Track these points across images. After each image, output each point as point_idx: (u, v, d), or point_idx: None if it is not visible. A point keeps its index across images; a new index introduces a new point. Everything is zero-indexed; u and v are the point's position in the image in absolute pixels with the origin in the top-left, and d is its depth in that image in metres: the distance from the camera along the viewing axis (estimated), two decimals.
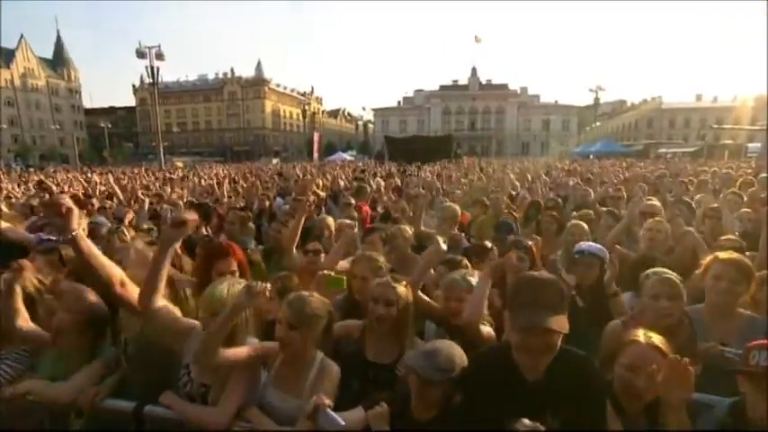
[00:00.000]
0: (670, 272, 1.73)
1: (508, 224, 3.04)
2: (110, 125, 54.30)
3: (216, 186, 7.14)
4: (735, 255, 1.77)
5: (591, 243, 2.29)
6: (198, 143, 70.51)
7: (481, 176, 6.63)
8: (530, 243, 2.49)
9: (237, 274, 2.02)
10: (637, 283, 1.93)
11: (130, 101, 72.16)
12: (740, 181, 6.23)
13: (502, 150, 61.11)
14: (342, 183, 8.22)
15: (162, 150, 22.79)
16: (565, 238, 2.98)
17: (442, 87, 65.98)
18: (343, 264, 2.67)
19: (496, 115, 63.33)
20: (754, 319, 1.76)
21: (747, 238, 3.18)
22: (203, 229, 3.61)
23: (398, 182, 7.96)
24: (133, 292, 1.62)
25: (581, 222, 2.95)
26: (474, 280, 1.82)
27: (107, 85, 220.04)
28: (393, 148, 21.71)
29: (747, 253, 3.05)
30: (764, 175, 6.74)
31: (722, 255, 1.76)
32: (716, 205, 3.40)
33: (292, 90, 78.95)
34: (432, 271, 2.21)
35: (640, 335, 1.36)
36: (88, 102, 72.10)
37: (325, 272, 2.16)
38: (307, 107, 62.45)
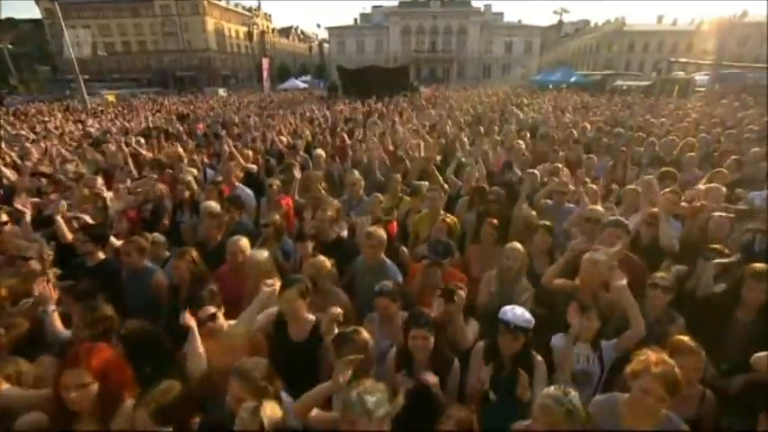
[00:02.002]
0: None
1: (444, 246, 2.68)
2: (10, 44, 45.16)
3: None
4: (667, 366, 1.54)
5: (517, 311, 1.99)
6: (133, 68, 61.45)
7: (428, 141, 6.04)
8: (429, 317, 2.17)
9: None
10: None
11: (34, 12, 59.35)
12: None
13: (463, 73, 58.94)
14: (283, 139, 7.42)
15: (82, 81, 18.97)
16: (501, 260, 2.69)
17: (402, 4, 60.42)
18: (261, 320, 2.26)
19: (458, 36, 59.62)
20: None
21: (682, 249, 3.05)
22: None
23: (346, 138, 7.26)
24: None
25: (518, 247, 2.64)
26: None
27: None
28: (347, 79, 20.07)
29: (679, 266, 2.94)
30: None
31: (654, 368, 1.53)
32: (654, 210, 3.15)
33: (236, 5, 69.53)
34: None
35: None
36: None
37: None
38: (254, 27, 55.61)
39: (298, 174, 4.23)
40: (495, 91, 23.87)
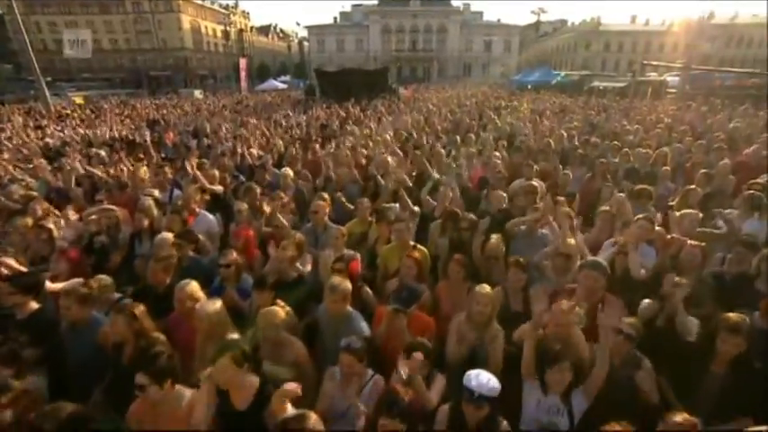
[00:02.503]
0: None
1: (409, 292, 2.52)
2: None
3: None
4: None
5: (482, 379, 1.84)
6: (105, 67, 58.86)
7: (400, 157, 5.85)
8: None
9: None
10: None
11: None
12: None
13: (444, 72, 59.14)
14: (254, 152, 7.13)
15: (44, 83, 17.53)
16: (471, 305, 2.54)
17: (381, 2, 60.10)
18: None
19: (438, 35, 59.74)
20: None
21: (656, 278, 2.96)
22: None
23: (318, 151, 7.01)
24: None
25: (487, 291, 2.49)
26: None
27: None
28: (325, 82, 19.72)
29: (648, 301, 2.83)
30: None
31: None
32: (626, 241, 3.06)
33: (213, 2, 67.80)
34: None
35: None
36: None
37: None
38: (229, 26, 54.30)
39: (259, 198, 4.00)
40: (475, 92, 23.95)
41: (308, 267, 3.38)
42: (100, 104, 22.84)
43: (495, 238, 3.16)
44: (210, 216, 4.24)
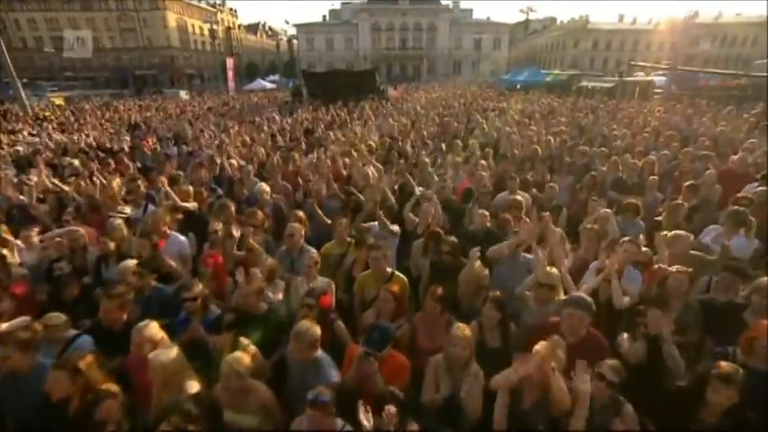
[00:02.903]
0: None
1: (380, 334, 2.35)
2: None
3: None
4: None
5: None
6: (88, 66, 57.01)
7: (379, 171, 5.65)
8: None
9: None
10: None
11: None
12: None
13: (434, 70, 59.10)
14: (233, 162, 6.87)
15: (20, 84, 16.78)
16: (448, 346, 2.38)
17: (371, 0, 59.72)
18: None
19: (428, 33, 59.57)
20: None
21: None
22: None
23: (298, 160, 6.79)
24: None
25: (465, 334, 2.32)
26: None
27: None
28: (312, 83, 19.42)
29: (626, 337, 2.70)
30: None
31: None
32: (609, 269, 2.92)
33: (200, 0, 66.67)
34: None
35: None
36: None
37: None
38: (216, 25, 53.42)
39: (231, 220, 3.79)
40: (464, 92, 23.84)
41: (280, 296, 3.19)
42: (81, 106, 22.21)
43: (477, 266, 3.01)
44: (182, 238, 4.01)
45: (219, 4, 69.91)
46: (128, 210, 4.77)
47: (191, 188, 4.96)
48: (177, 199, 4.61)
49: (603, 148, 7.20)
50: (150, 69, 58.45)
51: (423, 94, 22.54)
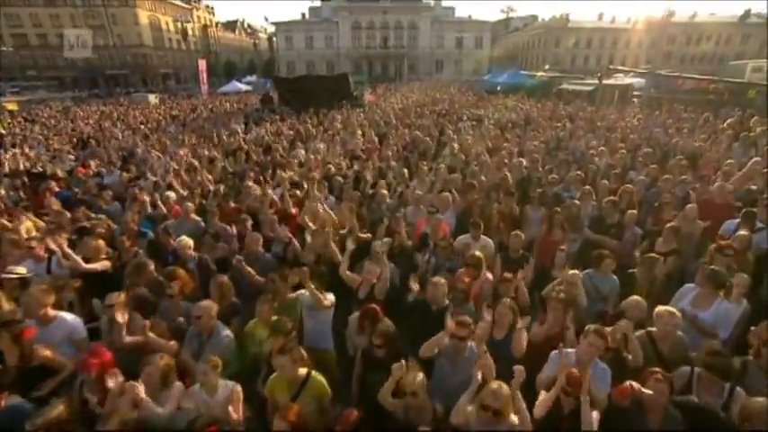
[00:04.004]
0: None
1: None
2: None
3: None
4: None
5: None
6: (53, 65, 54.17)
7: (331, 218, 5.01)
8: None
9: None
10: None
11: None
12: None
13: (416, 69, 58.61)
14: (172, 196, 6.14)
15: None
16: None
17: None
18: None
19: (409, 31, 58.86)
20: None
21: None
22: None
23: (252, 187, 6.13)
24: None
25: None
26: None
27: None
28: (283, 89, 18.61)
29: None
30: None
31: None
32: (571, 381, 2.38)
33: None
34: None
35: None
36: None
37: None
38: (186, 24, 51.73)
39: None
40: (442, 95, 23.28)
41: (169, 407, 2.55)
42: (37, 111, 20.88)
43: (411, 376, 2.43)
44: (71, 318, 3.30)
45: (195, 1, 67.90)
46: (21, 269, 4.03)
47: (101, 242, 4.23)
48: (79, 261, 3.91)
49: (579, 173, 6.74)
50: (122, 69, 56.33)
51: (399, 98, 21.95)
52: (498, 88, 26.45)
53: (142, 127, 14.74)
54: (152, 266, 3.87)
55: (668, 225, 4.50)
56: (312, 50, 60.23)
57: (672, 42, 55.10)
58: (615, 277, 3.88)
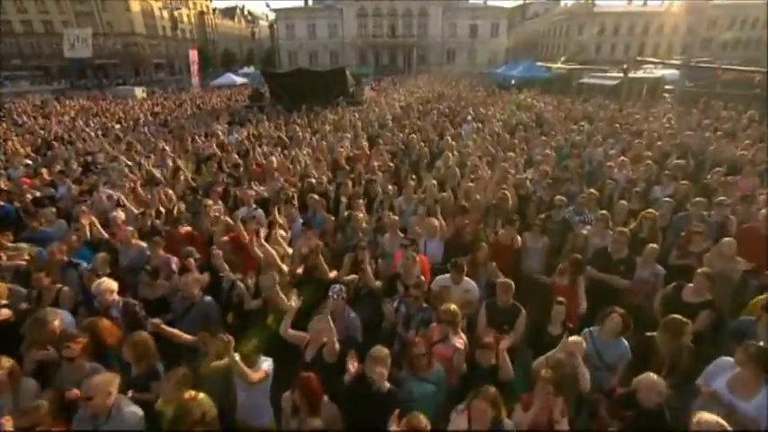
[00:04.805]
0: None
1: None
2: None
3: None
4: None
5: None
6: (38, 53, 54.30)
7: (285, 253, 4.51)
8: None
9: None
10: None
11: None
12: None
13: (426, 59, 57.94)
14: (119, 217, 5.71)
15: None
16: None
17: None
18: None
19: (419, 18, 58.10)
20: None
21: None
22: None
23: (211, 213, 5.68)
24: None
25: None
26: None
27: None
28: (275, 85, 18.21)
29: None
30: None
31: None
32: None
33: None
34: None
35: None
36: None
37: None
38: (177, 11, 51.75)
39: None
40: (451, 92, 22.63)
41: None
42: (9, 106, 20.78)
43: None
44: None
45: None
46: None
47: (2, 287, 3.80)
48: None
49: (593, 191, 6.15)
50: (112, 58, 56.60)
51: (403, 94, 21.43)
52: (512, 82, 25.71)
53: (117, 126, 14.44)
54: (56, 321, 3.41)
55: (699, 272, 3.88)
56: (315, 40, 59.95)
57: (712, 26, 53.44)
58: (625, 343, 3.31)
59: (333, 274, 4.20)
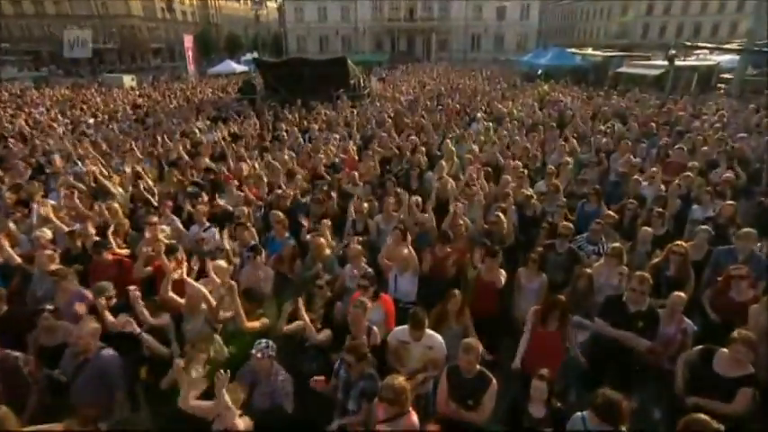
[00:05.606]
0: None
1: None
2: None
3: None
4: None
5: None
6: (29, 37, 55.20)
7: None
8: None
9: None
10: None
11: None
12: None
13: (447, 46, 57.00)
14: (45, 235, 5.34)
15: None
16: None
17: None
18: None
19: (440, 1, 57.30)
20: None
21: None
22: None
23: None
24: None
25: None
26: None
27: None
28: (269, 76, 17.84)
29: None
30: None
31: None
32: None
33: None
34: None
35: None
36: None
37: None
38: None
39: None
40: (469, 83, 21.87)
41: None
42: None
43: None
44: None
45: None
46: None
47: None
48: None
49: (610, 213, 5.49)
50: (107, 43, 57.47)
51: (413, 85, 20.86)
52: (539, 72, 24.77)
53: (91, 121, 14.27)
54: None
55: (737, 335, 3.20)
56: (326, 24, 59.52)
57: None
58: None
59: (262, 321, 3.72)
